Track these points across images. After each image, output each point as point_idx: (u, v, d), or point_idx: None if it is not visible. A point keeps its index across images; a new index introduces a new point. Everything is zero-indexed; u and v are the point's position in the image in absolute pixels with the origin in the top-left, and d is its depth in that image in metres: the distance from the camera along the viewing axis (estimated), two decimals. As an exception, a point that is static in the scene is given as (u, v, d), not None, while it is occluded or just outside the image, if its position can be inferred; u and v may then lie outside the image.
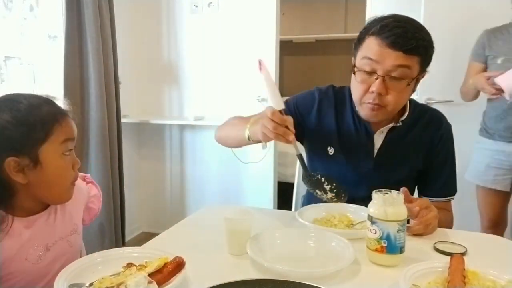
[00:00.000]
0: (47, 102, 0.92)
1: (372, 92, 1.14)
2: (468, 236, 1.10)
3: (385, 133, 1.27)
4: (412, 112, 1.28)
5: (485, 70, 2.00)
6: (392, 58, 1.10)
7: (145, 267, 0.81)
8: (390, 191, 0.92)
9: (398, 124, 1.25)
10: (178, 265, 0.81)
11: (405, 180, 1.25)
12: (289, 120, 1.06)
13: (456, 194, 1.31)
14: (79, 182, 1.11)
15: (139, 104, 3.16)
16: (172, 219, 1.42)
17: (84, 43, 2.41)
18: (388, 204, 0.89)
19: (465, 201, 2.38)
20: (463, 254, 0.93)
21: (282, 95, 1.16)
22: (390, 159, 1.27)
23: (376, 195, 0.92)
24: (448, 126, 1.31)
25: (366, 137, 1.27)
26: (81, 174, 1.15)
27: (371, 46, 1.13)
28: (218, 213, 1.06)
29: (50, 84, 2.44)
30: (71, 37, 2.34)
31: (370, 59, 1.12)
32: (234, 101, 2.94)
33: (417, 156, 1.28)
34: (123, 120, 2.76)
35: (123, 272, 0.81)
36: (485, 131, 2.07)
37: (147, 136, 3.23)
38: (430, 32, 1.15)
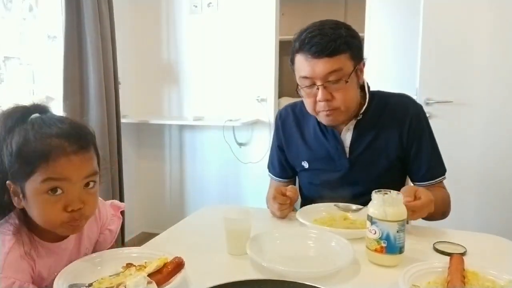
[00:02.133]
0: (57, 135, 0.84)
1: (320, 101, 1.19)
2: (467, 236, 1.10)
3: (351, 130, 1.29)
4: (373, 103, 1.29)
5: None
6: (321, 67, 1.15)
7: (145, 267, 0.81)
8: (390, 191, 0.92)
9: (359, 118, 1.27)
10: (177, 265, 0.81)
11: (387, 172, 1.27)
12: (290, 194, 1.21)
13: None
14: (106, 210, 1.06)
15: (139, 104, 3.16)
16: (172, 219, 1.42)
17: (84, 43, 2.40)
18: (388, 204, 0.89)
19: (465, 201, 2.39)
20: (462, 254, 0.93)
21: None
22: (364, 154, 1.28)
23: (376, 195, 0.92)
24: (416, 109, 1.30)
25: (334, 139, 1.30)
26: (116, 202, 1.11)
27: (301, 64, 1.19)
28: (218, 213, 1.06)
29: (50, 85, 2.44)
30: (70, 37, 2.34)
31: (305, 77, 1.19)
32: (234, 101, 2.94)
33: (391, 145, 1.27)
34: (122, 120, 2.76)
35: (123, 272, 0.81)
36: None
37: (146, 136, 3.23)
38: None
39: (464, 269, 0.80)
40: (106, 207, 1.08)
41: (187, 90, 3.08)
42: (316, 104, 1.21)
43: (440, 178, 1.30)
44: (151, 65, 3.12)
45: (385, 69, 2.57)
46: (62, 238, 0.91)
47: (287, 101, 3.65)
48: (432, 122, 1.32)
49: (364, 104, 1.27)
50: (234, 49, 2.91)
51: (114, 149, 2.61)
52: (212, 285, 0.74)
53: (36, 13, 2.37)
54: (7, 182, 0.84)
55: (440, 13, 2.34)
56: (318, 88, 1.17)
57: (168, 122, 3.08)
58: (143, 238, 3.11)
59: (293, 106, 1.43)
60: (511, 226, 2.29)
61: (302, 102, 1.33)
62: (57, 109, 2.26)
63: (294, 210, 1.26)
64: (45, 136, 0.83)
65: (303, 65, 1.18)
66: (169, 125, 3.15)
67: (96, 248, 1.05)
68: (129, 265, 0.84)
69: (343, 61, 1.15)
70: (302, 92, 1.23)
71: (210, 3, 2.92)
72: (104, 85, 2.47)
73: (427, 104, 2.33)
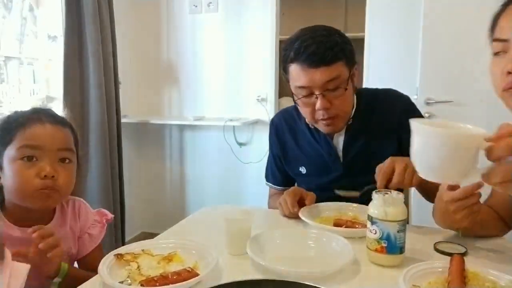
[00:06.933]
0: (34, 111, 0.94)
1: (319, 110, 1.17)
2: (468, 236, 1.10)
3: (343, 135, 1.29)
4: (362, 105, 1.28)
5: None
6: (319, 76, 1.13)
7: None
8: (390, 191, 0.92)
9: (349, 122, 1.27)
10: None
11: None
12: (308, 203, 1.19)
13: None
14: (88, 213, 1.05)
15: (139, 104, 3.16)
16: (172, 219, 1.42)
17: (84, 43, 2.40)
18: (388, 204, 0.89)
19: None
20: (463, 254, 0.93)
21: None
22: (358, 158, 1.27)
23: (376, 195, 0.91)
24: (406, 99, 1.29)
25: (326, 144, 1.31)
26: (103, 210, 1.10)
27: (297, 74, 1.16)
28: (218, 213, 1.06)
29: (50, 85, 2.44)
30: (71, 37, 2.34)
31: (303, 87, 1.16)
32: (234, 101, 2.94)
33: (389, 143, 1.26)
34: (123, 120, 2.76)
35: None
36: None
37: (147, 136, 3.23)
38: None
39: (464, 269, 0.80)
40: (90, 212, 1.07)
41: (187, 90, 3.08)
42: (315, 113, 1.20)
43: None
44: (151, 65, 3.12)
45: (385, 69, 2.56)
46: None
47: (287, 100, 3.64)
48: (432, 122, 1.31)
49: (353, 107, 1.27)
50: (234, 49, 2.92)
51: (115, 149, 2.61)
52: (212, 285, 0.74)
53: (36, 13, 2.37)
54: None
55: (440, 13, 2.34)
56: (317, 97, 1.16)
57: (168, 122, 3.08)
58: (143, 238, 3.08)
59: (284, 113, 1.44)
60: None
61: (293, 108, 1.35)
62: (58, 109, 2.26)
63: None
64: (25, 112, 0.93)
65: (300, 75, 1.16)
66: (169, 125, 3.15)
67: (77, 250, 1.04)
68: (119, 256, 0.85)
69: (340, 69, 1.15)
70: (299, 102, 1.21)
71: (210, 3, 2.92)
72: (104, 85, 2.47)
73: (427, 104, 2.33)
